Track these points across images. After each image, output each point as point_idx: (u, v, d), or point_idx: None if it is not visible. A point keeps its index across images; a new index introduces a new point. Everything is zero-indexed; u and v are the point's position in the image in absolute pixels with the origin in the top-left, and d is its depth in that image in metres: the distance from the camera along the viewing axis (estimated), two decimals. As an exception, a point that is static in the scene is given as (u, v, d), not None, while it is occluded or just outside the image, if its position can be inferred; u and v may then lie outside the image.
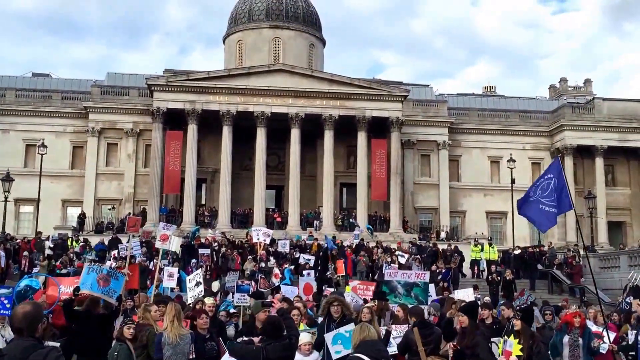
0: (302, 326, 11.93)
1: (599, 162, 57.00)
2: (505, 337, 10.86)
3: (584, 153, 57.86)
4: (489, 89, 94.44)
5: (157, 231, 37.87)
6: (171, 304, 10.73)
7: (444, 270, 35.80)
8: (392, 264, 33.91)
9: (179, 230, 45.76)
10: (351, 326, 10.06)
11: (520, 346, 10.12)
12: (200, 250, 33.32)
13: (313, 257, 36.37)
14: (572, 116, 57.90)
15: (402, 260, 38.18)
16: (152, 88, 51.21)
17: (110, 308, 13.12)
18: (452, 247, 42.95)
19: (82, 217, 49.59)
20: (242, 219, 50.73)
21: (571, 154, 56.46)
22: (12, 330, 5.64)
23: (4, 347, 5.51)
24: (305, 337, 9.97)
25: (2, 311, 11.16)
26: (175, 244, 27.59)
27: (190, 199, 50.24)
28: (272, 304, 13.60)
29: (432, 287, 25.55)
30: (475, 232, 52.82)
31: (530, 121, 59.89)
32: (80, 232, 45.76)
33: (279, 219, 51.28)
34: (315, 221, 51.08)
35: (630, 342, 13.66)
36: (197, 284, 18.53)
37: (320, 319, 12.62)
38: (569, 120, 57.31)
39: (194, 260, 33.65)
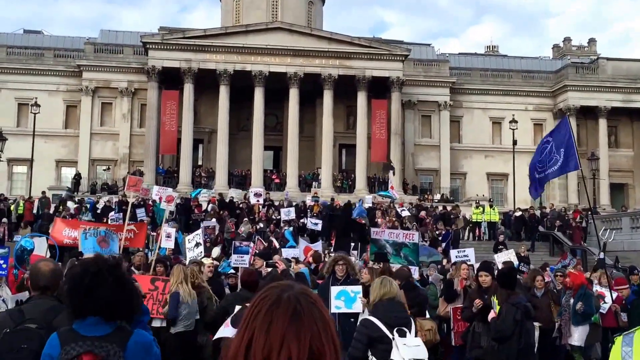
0: None
1: (603, 123, 56.10)
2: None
3: (587, 114, 56.90)
4: (491, 49, 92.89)
5: (152, 194, 37.62)
6: (178, 265, 11.45)
7: (444, 232, 35.29)
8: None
9: (176, 192, 45.15)
10: (358, 287, 9.90)
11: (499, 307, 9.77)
12: (205, 223, 32.38)
13: (320, 222, 35.70)
14: (576, 76, 56.87)
15: (405, 214, 37.67)
16: (147, 46, 50.04)
17: None
18: (453, 208, 42.56)
19: (77, 178, 48.78)
20: (239, 180, 49.96)
21: (574, 115, 55.47)
22: (35, 288, 5.13)
23: (24, 308, 4.92)
24: None
25: None
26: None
27: (187, 160, 49.44)
28: (277, 264, 13.37)
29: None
30: (476, 194, 52.12)
31: (533, 81, 58.84)
32: (75, 193, 45.06)
33: (277, 181, 50.54)
34: (313, 182, 50.37)
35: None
36: (197, 244, 18.16)
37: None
38: (573, 81, 56.27)
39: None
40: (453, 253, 20.40)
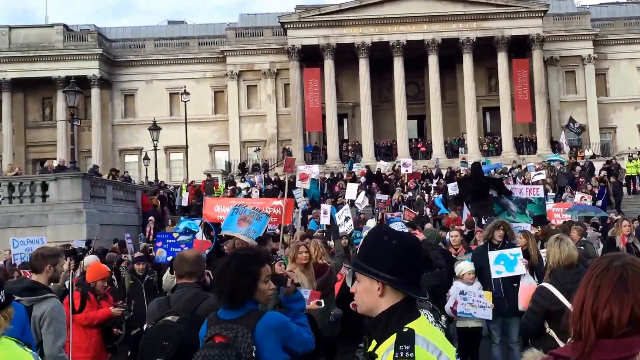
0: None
1: None
2: None
3: None
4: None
5: (297, 171, 38.33)
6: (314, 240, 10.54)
7: (598, 189, 33.80)
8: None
9: (325, 167, 46.24)
10: (517, 250, 9.75)
11: None
12: (378, 197, 32.75)
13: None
14: None
15: (540, 177, 36.25)
16: (285, 26, 51.14)
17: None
18: (611, 161, 41.10)
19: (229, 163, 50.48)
20: (386, 151, 50.47)
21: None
22: (181, 275, 5.42)
23: (171, 297, 5.36)
24: (467, 266, 9.76)
25: None
26: (353, 194, 27.97)
27: (333, 135, 50.40)
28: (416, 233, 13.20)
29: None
30: (627, 147, 50.28)
31: (682, 25, 55.83)
32: (230, 175, 46.75)
33: (423, 149, 50.70)
34: (459, 148, 50.17)
35: None
36: (346, 218, 18.29)
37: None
38: None
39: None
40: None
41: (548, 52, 52.83)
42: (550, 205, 25.24)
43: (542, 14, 50.65)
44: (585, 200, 26.75)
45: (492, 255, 9.75)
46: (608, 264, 2.37)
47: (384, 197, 32.80)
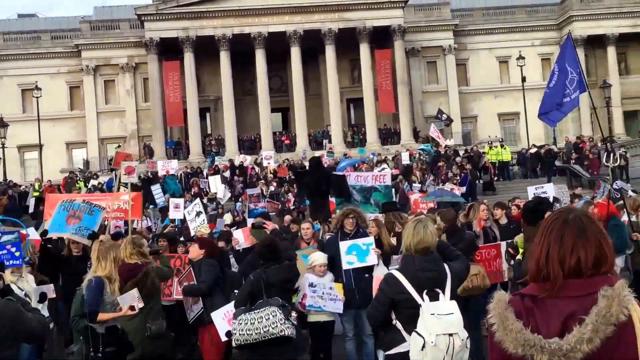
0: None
1: (611, 50, 55.03)
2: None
3: (595, 43, 55.71)
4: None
5: (158, 167, 37.41)
6: (96, 241, 9.01)
7: (460, 177, 34.53)
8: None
9: (188, 162, 45.06)
10: (370, 239, 9.32)
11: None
12: (249, 191, 31.56)
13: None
14: (581, 5, 55.49)
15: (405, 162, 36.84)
16: (143, 18, 49.50)
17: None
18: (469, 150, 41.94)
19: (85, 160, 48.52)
20: (250, 144, 49.73)
21: (582, 45, 54.27)
22: None
23: None
24: (319, 258, 9.18)
25: (12, 262, 9.11)
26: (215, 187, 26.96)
27: (195, 129, 49.24)
28: (265, 225, 12.54)
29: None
30: (488, 135, 51.45)
31: (538, 15, 57.63)
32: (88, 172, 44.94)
33: (287, 142, 50.26)
34: (324, 140, 49.93)
35: None
36: (198, 213, 17.61)
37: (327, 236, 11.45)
38: (578, 10, 55.00)
39: None
40: (530, 190, 19.89)
41: (410, 43, 53.35)
42: (416, 195, 25.28)
43: (403, 5, 51.02)
44: (455, 191, 26.71)
45: (344, 245, 9.29)
46: (566, 217, 2.83)
47: (255, 190, 31.68)
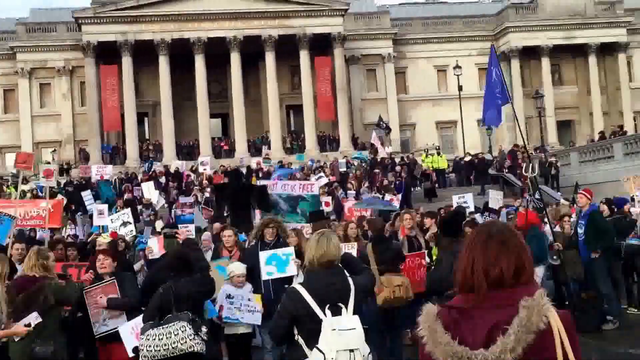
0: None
1: (545, 62, 56.40)
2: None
3: (530, 54, 57.08)
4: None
5: (92, 173, 36.89)
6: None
7: (396, 184, 34.95)
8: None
9: (125, 167, 44.58)
10: (289, 249, 9.28)
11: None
12: (182, 200, 31.12)
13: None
14: (516, 17, 56.86)
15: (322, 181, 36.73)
16: (80, 21, 48.80)
17: None
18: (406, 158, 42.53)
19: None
20: (188, 150, 49.39)
21: (517, 56, 55.73)
22: None
23: None
24: (238, 268, 9.07)
25: None
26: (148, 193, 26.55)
27: (132, 134, 48.67)
28: (177, 234, 12.40)
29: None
30: (426, 143, 52.21)
31: (475, 26, 58.78)
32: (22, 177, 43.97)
33: (226, 147, 50.11)
34: (263, 146, 49.88)
35: None
36: (125, 223, 17.10)
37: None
38: (513, 22, 56.33)
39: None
40: (454, 198, 20.64)
41: (350, 51, 53.75)
42: (350, 202, 25.33)
43: (343, 13, 51.41)
44: (393, 201, 26.86)
45: (263, 255, 9.18)
46: (489, 231, 3.04)
47: (189, 199, 31.20)
